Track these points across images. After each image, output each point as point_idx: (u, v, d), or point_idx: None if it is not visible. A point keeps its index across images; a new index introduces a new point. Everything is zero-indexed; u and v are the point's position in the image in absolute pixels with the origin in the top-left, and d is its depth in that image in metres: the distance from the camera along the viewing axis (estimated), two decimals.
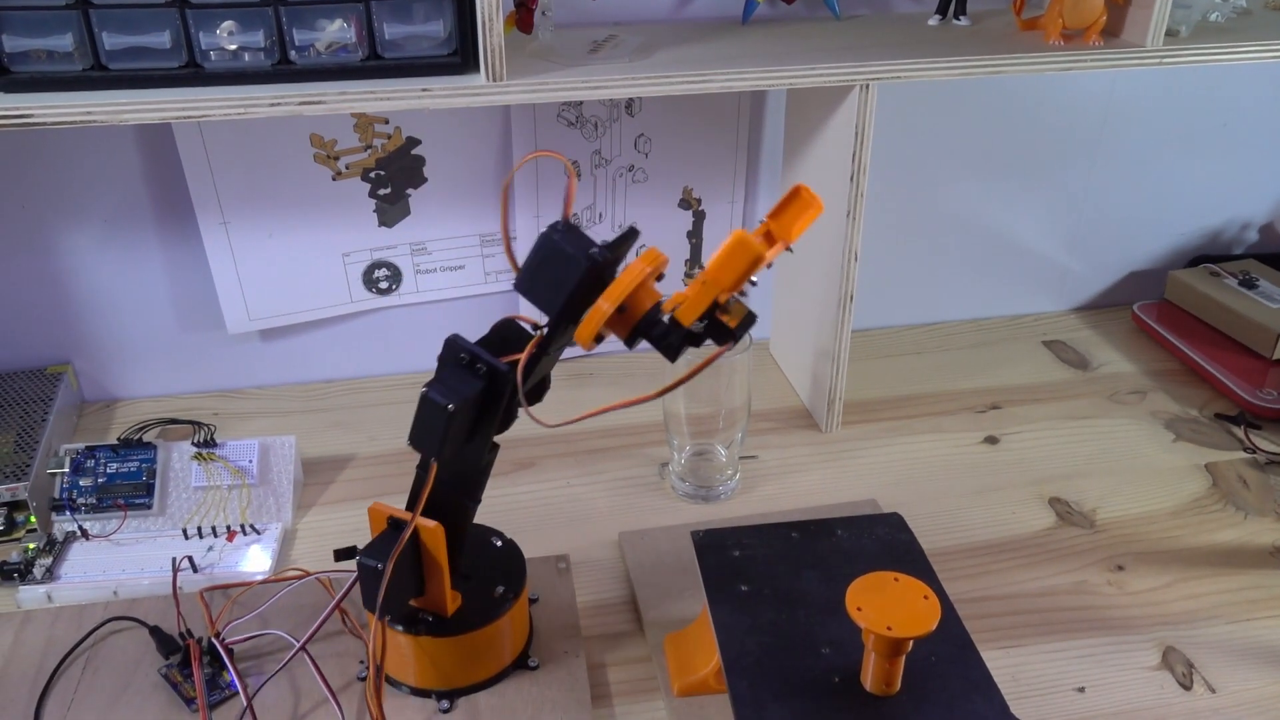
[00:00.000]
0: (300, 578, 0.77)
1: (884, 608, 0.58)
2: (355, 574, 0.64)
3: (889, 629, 0.57)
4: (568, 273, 0.58)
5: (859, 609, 0.58)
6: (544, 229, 0.59)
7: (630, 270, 0.57)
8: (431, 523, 0.64)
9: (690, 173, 1.06)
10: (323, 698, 0.69)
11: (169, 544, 0.83)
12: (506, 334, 0.64)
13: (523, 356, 0.61)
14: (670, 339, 0.59)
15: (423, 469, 0.63)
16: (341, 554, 0.68)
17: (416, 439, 0.61)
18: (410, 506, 0.64)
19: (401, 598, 0.66)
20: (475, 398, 0.61)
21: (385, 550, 0.63)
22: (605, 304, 0.57)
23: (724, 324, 0.58)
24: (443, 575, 0.66)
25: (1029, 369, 1.12)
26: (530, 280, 0.60)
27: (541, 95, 0.79)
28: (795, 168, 1.01)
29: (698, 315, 0.57)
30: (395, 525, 0.64)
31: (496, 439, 0.66)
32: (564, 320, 0.60)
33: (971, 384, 1.08)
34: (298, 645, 0.70)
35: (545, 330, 0.61)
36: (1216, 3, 0.93)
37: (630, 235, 0.61)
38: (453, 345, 0.62)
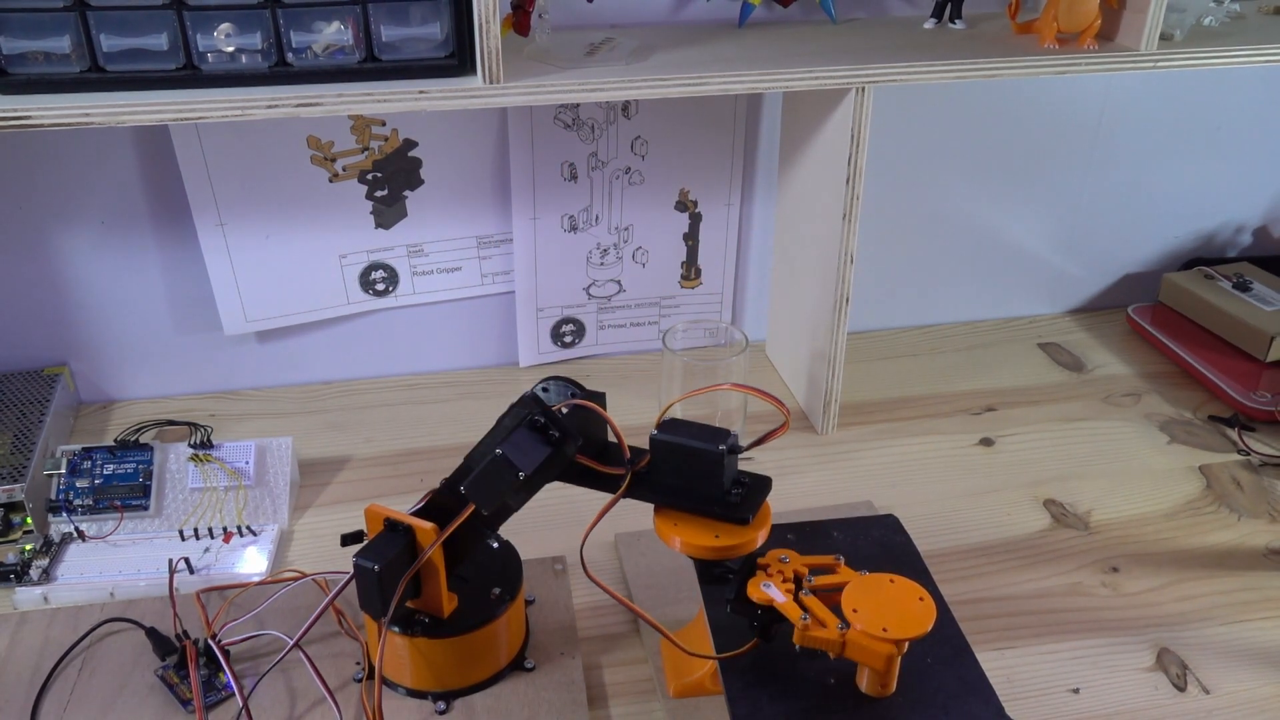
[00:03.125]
0: (297, 579, 0.77)
1: (879, 609, 0.58)
2: (350, 574, 0.65)
3: (884, 630, 0.57)
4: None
5: (854, 610, 0.58)
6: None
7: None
8: (428, 524, 0.64)
9: (686, 175, 1.06)
10: (319, 699, 0.69)
11: (165, 545, 0.83)
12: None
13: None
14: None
15: (456, 499, 0.64)
16: (349, 538, 0.68)
17: (475, 490, 0.61)
18: (423, 516, 0.65)
19: (399, 600, 0.66)
20: (543, 463, 0.61)
21: (382, 552, 0.63)
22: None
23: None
24: (440, 578, 0.66)
25: (1024, 371, 1.12)
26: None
27: (538, 97, 0.80)
28: (791, 170, 1.01)
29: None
30: (392, 527, 0.64)
31: None
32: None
33: (967, 386, 1.09)
34: (291, 643, 0.70)
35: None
36: (1210, 7, 0.94)
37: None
38: (530, 402, 0.62)
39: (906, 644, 0.58)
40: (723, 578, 0.63)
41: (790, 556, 0.63)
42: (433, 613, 0.68)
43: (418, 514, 0.65)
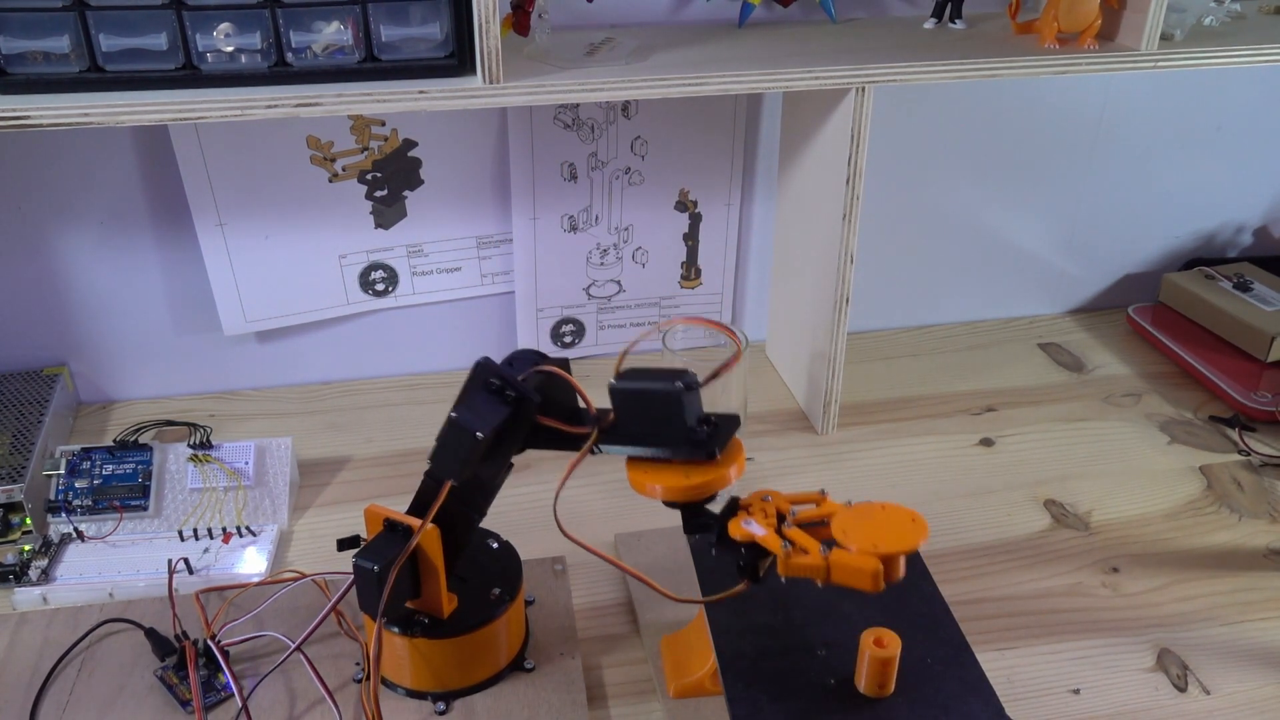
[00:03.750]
0: (296, 579, 0.77)
1: (870, 531, 0.56)
2: (352, 576, 0.64)
3: (876, 547, 0.55)
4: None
5: (844, 534, 0.56)
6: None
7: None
8: (428, 525, 0.64)
9: (686, 175, 1.06)
10: (319, 699, 0.69)
11: (165, 546, 0.83)
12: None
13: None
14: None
15: (434, 482, 0.63)
16: (345, 543, 0.68)
17: (438, 460, 0.61)
18: (414, 512, 0.64)
19: (397, 600, 0.66)
20: (501, 425, 0.60)
21: (382, 552, 0.62)
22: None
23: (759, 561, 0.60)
24: (439, 578, 0.66)
25: (1024, 371, 1.12)
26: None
27: (538, 98, 0.79)
28: (791, 170, 1.01)
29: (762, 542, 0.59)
30: (391, 527, 0.64)
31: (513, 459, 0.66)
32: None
33: (967, 386, 1.09)
34: (293, 646, 0.70)
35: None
36: (1211, 6, 0.93)
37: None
38: (483, 368, 0.61)
39: (901, 563, 0.56)
40: (707, 525, 0.62)
41: (773, 495, 0.61)
42: (432, 613, 0.68)
43: (410, 512, 0.65)
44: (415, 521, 0.63)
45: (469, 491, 0.65)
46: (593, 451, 0.62)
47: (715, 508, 0.62)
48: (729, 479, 0.60)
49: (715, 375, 0.62)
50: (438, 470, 0.62)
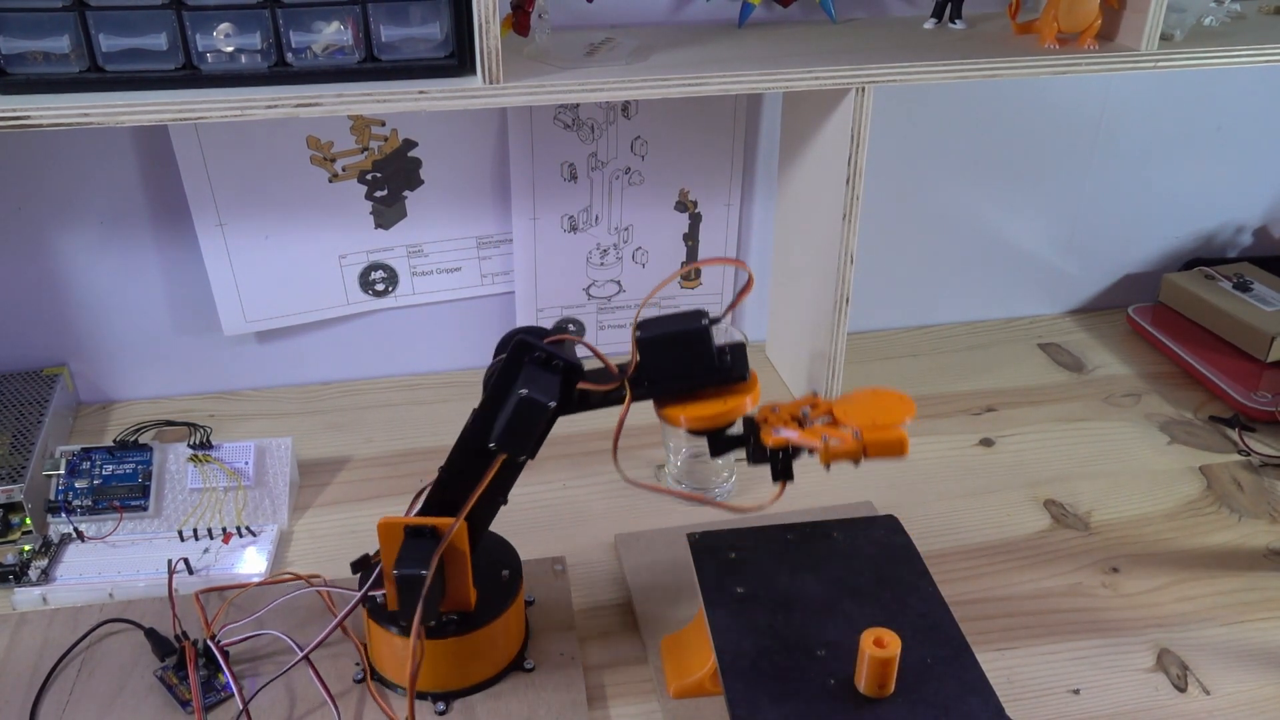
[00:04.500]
0: (296, 579, 0.77)
1: (872, 412, 0.61)
2: (358, 588, 0.65)
3: (873, 422, 0.60)
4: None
5: (850, 419, 0.61)
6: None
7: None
8: (448, 519, 0.65)
9: (686, 175, 1.06)
10: (318, 700, 0.69)
11: (165, 546, 0.83)
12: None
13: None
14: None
15: (450, 472, 0.65)
16: (358, 565, 0.68)
17: (508, 440, 0.63)
18: (426, 513, 0.65)
19: (435, 601, 0.66)
20: (560, 393, 0.63)
21: (418, 557, 0.63)
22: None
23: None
24: (466, 570, 0.66)
25: (1024, 372, 1.12)
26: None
27: (538, 98, 0.79)
28: (791, 170, 1.01)
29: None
30: (417, 532, 0.64)
31: None
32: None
33: (967, 386, 1.09)
34: (301, 654, 0.70)
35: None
36: (1211, 6, 0.94)
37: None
38: (524, 345, 0.63)
39: (902, 438, 0.61)
40: (735, 443, 0.65)
41: (779, 406, 0.65)
42: (460, 608, 0.68)
43: (423, 512, 0.65)
44: (445, 521, 0.64)
45: (507, 477, 0.66)
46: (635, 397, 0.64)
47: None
48: (758, 396, 0.64)
49: (733, 305, 0.69)
50: (511, 450, 0.63)
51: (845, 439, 0.61)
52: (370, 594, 0.68)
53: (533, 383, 0.62)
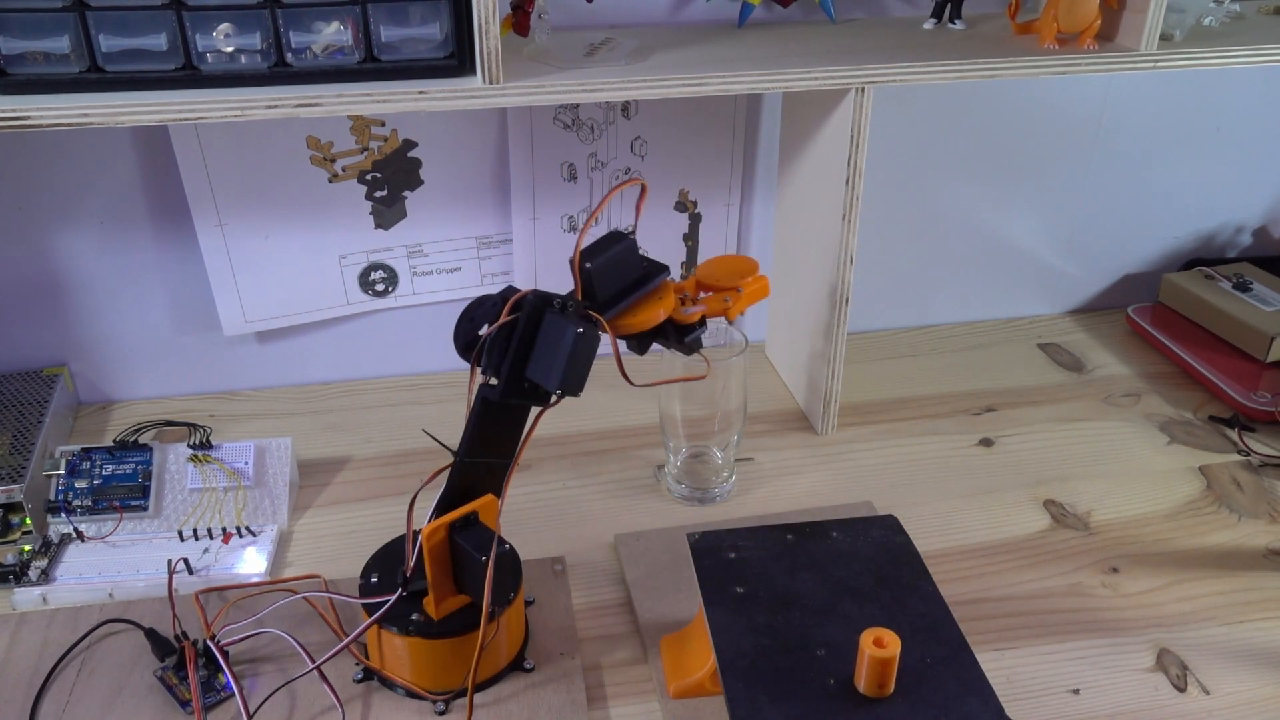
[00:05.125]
0: (298, 580, 0.77)
1: (725, 275, 0.74)
2: (368, 611, 0.65)
3: (739, 280, 0.74)
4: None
5: (716, 280, 0.74)
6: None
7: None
8: (485, 497, 0.67)
9: (686, 175, 1.06)
10: (318, 700, 0.69)
11: (164, 546, 0.83)
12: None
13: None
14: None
15: (472, 453, 0.67)
16: (407, 582, 0.69)
17: (570, 379, 0.64)
18: (446, 503, 0.66)
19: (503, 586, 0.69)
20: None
21: (483, 540, 0.66)
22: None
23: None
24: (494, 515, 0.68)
25: (1024, 372, 1.12)
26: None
27: (538, 98, 0.79)
28: (791, 170, 1.01)
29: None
30: (466, 522, 0.66)
31: None
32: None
33: (966, 386, 1.09)
34: (312, 665, 0.70)
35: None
36: (1210, 7, 0.94)
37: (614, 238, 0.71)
38: (544, 297, 0.66)
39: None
40: (654, 335, 0.73)
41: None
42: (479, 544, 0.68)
43: (442, 503, 0.67)
44: (484, 501, 0.67)
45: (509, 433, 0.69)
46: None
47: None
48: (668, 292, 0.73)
49: (637, 215, 0.72)
50: (573, 389, 0.64)
51: (735, 296, 0.74)
52: (375, 605, 0.69)
53: (578, 321, 0.64)
